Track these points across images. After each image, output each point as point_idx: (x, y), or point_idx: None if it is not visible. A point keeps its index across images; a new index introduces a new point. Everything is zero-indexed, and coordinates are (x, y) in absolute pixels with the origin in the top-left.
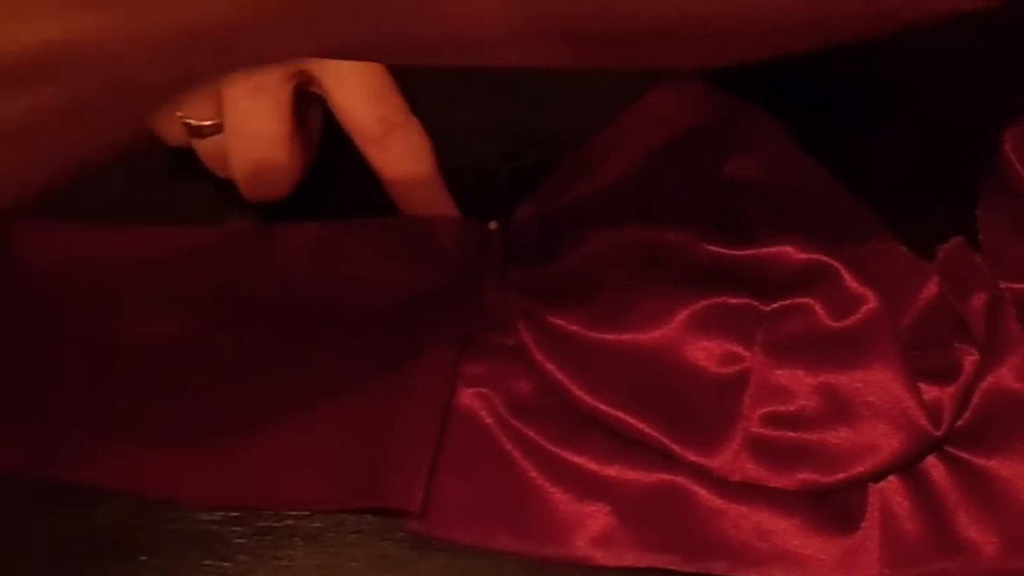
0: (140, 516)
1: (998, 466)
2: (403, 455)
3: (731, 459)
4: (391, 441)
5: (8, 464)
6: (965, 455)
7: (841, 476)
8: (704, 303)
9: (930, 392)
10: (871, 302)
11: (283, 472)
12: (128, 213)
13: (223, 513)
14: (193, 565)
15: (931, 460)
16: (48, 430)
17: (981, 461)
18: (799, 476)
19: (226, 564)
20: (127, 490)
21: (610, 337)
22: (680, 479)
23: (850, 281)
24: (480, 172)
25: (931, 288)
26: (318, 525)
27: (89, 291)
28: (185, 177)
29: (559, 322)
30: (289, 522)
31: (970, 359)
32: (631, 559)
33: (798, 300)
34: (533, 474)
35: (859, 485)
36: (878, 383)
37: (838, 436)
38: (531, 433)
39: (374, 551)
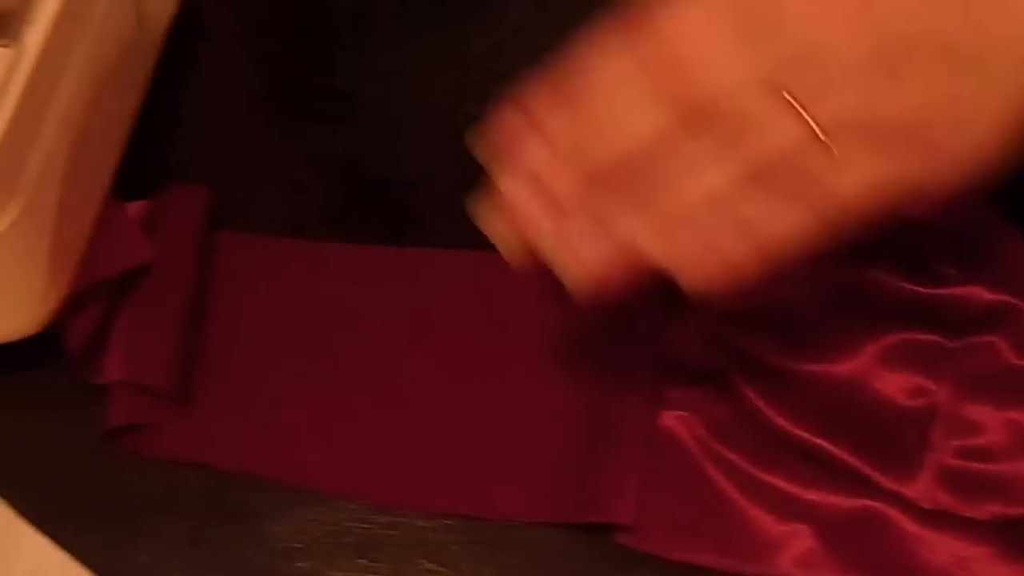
0: (358, 521)
1: None
2: (613, 472)
3: (925, 488)
4: (600, 458)
5: (235, 465)
6: None
7: None
8: (893, 338)
9: None
10: None
11: (497, 484)
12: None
13: (439, 520)
14: (410, 570)
15: None
16: (273, 434)
17: None
18: (989, 508)
19: (443, 570)
20: (345, 494)
21: (804, 367)
22: (879, 505)
23: None
24: None
25: None
26: (531, 536)
27: (300, 304)
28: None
29: (755, 350)
30: (503, 532)
31: None
32: None
33: (984, 339)
34: (734, 495)
35: None
36: None
37: None
38: (731, 456)
39: (584, 564)
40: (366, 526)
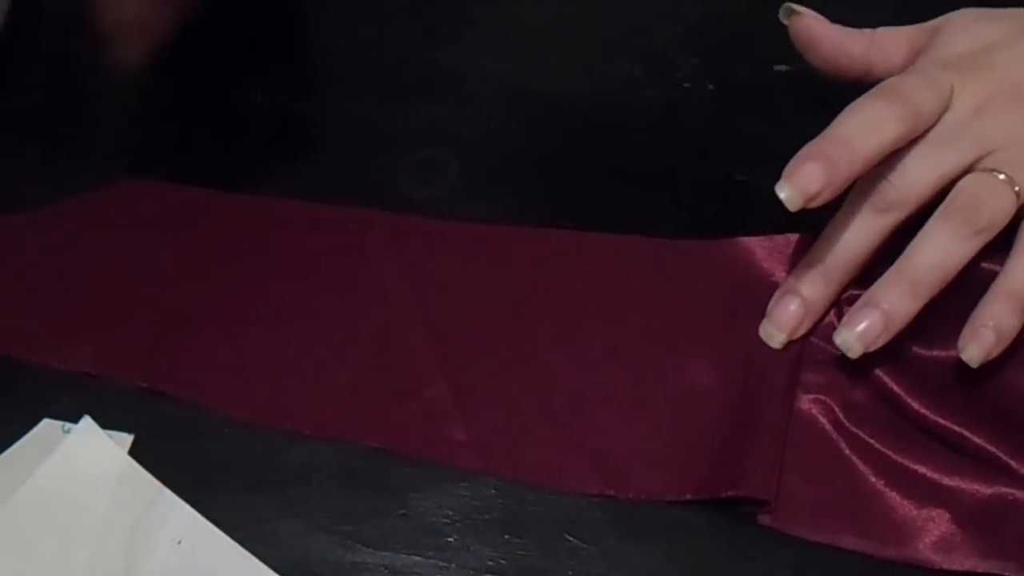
0: (504, 497)
1: None
2: (756, 452)
3: None
4: (741, 439)
5: (379, 441)
6: None
7: None
8: None
9: None
10: None
11: (641, 463)
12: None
13: (585, 498)
14: (556, 546)
15: None
16: (416, 412)
17: None
18: None
19: (589, 547)
20: (493, 473)
21: (938, 354)
22: (1018, 491)
23: None
24: None
25: None
26: (675, 515)
27: (440, 286)
28: None
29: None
30: (648, 510)
31: None
32: (970, 564)
33: None
34: (872, 478)
35: None
36: None
37: None
38: (869, 439)
39: (728, 542)
40: (512, 503)
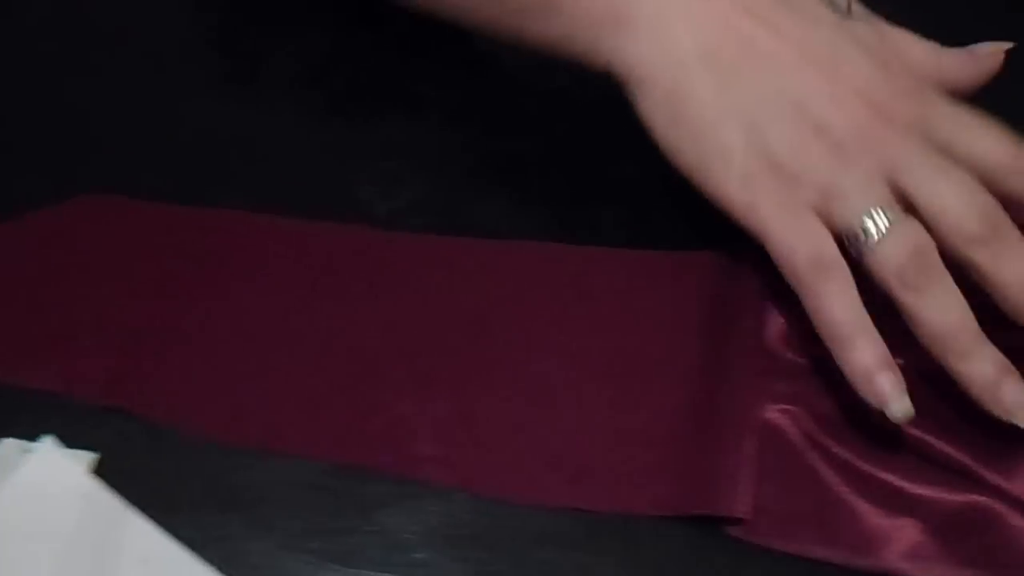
0: (475, 513)
1: None
2: (727, 467)
3: None
4: (712, 452)
5: (348, 457)
6: None
7: None
8: (995, 339)
9: None
10: None
11: (613, 476)
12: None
13: (557, 512)
14: (530, 561)
15: None
16: (385, 427)
17: None
18: None
19: (559, 561)
20: (463, 488)
21: (905, 363)
22: (986, 500)
23: None
24: None
25: None
26: (646, 527)
27: (405, 301)
28: None
29: None
30: (618, 524)
31: None
32: (939, 573)
33: None
34: (841, 488)
35: None
36: None
37: None
38: (837, 449)
39: (699, 554)
40: (483, 518)
